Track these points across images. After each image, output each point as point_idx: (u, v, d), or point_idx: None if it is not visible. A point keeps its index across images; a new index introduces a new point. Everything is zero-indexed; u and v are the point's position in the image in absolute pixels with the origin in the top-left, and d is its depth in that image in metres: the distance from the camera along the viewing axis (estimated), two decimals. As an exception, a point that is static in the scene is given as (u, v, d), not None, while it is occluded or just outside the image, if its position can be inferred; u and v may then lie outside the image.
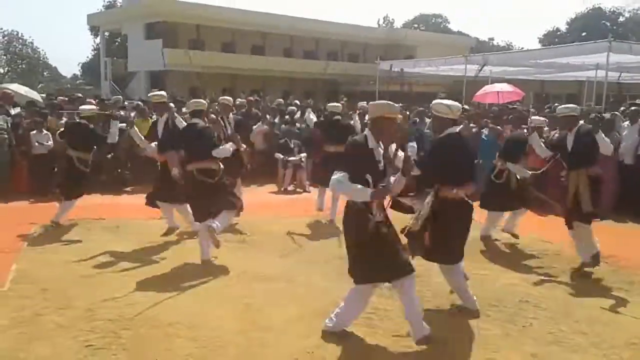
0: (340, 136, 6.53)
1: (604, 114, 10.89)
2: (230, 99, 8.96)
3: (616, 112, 10.64)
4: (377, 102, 4.44)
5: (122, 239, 7.07)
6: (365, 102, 16.22)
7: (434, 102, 4.84)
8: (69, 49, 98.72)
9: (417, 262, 6.19)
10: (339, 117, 8.77)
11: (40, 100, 14.38)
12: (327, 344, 4.23)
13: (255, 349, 4.15)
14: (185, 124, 6.64)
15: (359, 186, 3.97)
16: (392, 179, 4.19)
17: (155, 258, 6.32)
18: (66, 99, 12.90)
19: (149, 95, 6.86)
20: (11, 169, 10.07)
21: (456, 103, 4.81)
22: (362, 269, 4.17)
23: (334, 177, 4.05)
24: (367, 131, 4.21)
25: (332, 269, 6.01)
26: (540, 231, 7.68)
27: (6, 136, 9.90)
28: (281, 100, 16.65)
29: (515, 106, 13.80)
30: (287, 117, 13.43)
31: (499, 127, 11.01)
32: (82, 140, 7.70)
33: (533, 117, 7.57)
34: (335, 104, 9.39)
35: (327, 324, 4.41)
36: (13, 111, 10.98)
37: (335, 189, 4.40)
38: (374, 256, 4.09)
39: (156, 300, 5.05)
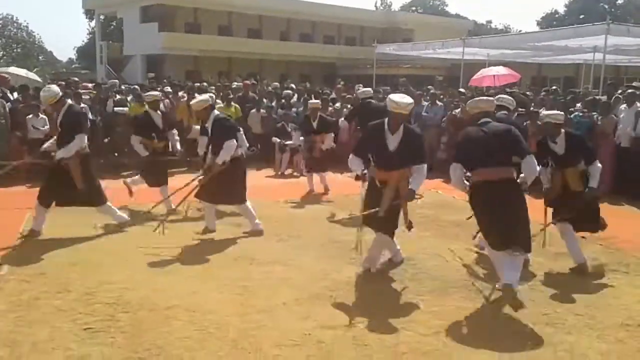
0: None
1: (600, 97, 10.89)
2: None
3: (614, 95, 10.60)
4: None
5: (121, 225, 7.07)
6: (362, 86, 16.21)
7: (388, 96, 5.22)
8: (64, 33, 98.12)
9: (411, 247, 6.24)
10: (371, 100, 8.69)
11: (40, 81, 14.31)
12: (323, 326, 4.27)
13: (253, 332, 4.18)
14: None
15: None
16: None
17: (153, 242, 6.33)
18: (63, 83, 12.82)
19: (192, 102, 6.88)
20: (9, 154, 10.03)
21: (406, 98, 5.09)
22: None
23: None
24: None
25: (328, 252, 6.05)
26: (533, 214, 7.70)
27: (3, 121, 9.87)
28: (277, 84, 16.62)
29: (513, 90, 13.76)
30: (283, 101, 13.40)
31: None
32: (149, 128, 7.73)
33: (546, 113, 6.19)
34: (365, 89, 9.36)
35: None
36: (12, 96, 10.94)
37: None
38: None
39: (154, 284, 5.07)
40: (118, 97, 12.25)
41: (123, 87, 14.53)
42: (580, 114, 9.92)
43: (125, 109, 11.49)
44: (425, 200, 6.21)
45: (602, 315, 4.59)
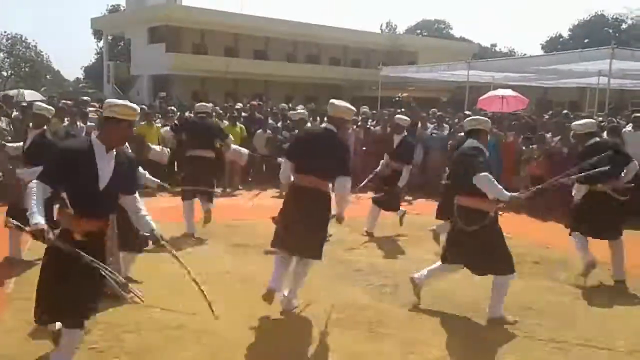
0: None
1: (606, 121, 10.89)
2: None
3: (615, 119, 10.64)
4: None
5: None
6: (367, 108, 16.29)
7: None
8: (72, 53, 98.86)
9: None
10: (204, 115, 7.98)
11: (44, 99, 14.38)
12: (331, 348, 4.25)
13: (262, 353, 4.16)
14: None
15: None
16: None
17: (158, 260, 6.31)
18: (69, 102, 12.92)
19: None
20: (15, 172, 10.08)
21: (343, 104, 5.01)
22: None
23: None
24: None
25: (335, 271, 6.06)
26: (540, 236, 7.70)
27: (9, 138, 9.93)
28: (285, 105, 16.70)
29: (518, 112, 13.81)
30: (288, 122, 13.45)
31: (501, 132, 11.03)
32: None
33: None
34: (201, 104, 8.42)
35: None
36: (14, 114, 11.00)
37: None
38: None
39: (160, 304, 5.04)
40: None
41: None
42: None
43: (134, 128, 11.55)
44: (431, 221, 6.21)
45: (611, 341, 4.55)
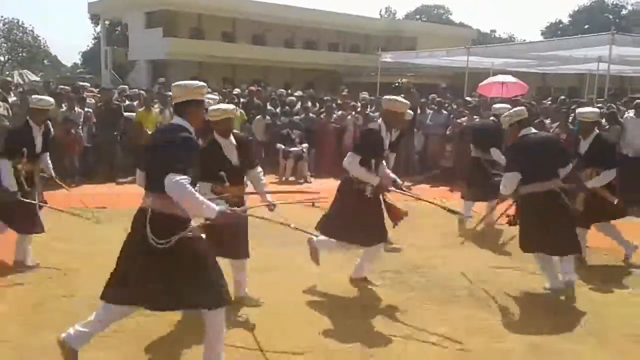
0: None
1: (606, 108, 10.88)
2: None
3: (614, 105, 10.63)
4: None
5: (127, 228, 7.06)
6: (367, 93, 16.23)
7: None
8: (69, 38, 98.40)
9: (416, 254, 6.24)
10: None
11: (38, 79, 14.25)
12: (329, 335, 4.27)
13: (260, 338, 4.18)
14: None
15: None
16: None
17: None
18: (68, 87, 12.85)
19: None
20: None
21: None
22: None
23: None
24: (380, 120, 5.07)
25: (335, 258, 6.04)
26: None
27: (7, 124, 9.90)
28: (283, 90, 16.64)
29: (517, 98, 13.78)
30: (287, 107, 13.42)
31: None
32: None
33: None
34: (500, 105, 8.34)
35: None
36: (11, 99, 10.95)
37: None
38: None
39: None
40: (127, 102, 12.30)
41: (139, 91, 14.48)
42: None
43: (133, 114, 11.49)
44: (433, 208, 6.19)
45: (610, 326, 4.58)
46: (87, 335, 3.59)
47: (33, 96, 6.19)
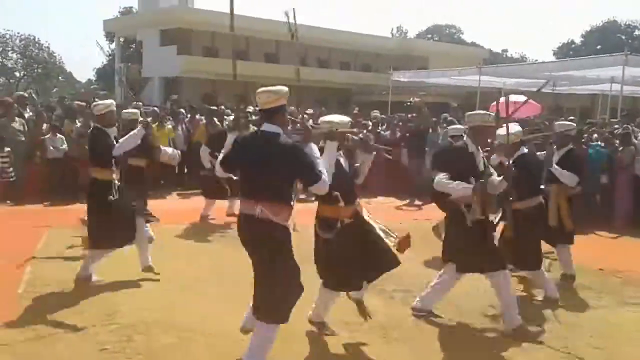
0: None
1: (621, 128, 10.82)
2: None
3: (629, 126, 10.57)
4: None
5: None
6: (378, 112, 16.25)
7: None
8: (84, 54, 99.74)
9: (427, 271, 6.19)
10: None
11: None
12: (339, 351, 4.24)
13: (272, 354, 4.15)
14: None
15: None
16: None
17: (170, 263, 6.34)
18: (84, 103, 12.99)
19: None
20: (28, 172, 10.16)
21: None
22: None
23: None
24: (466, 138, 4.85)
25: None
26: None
27: (24, 139, 10.02)
28: (293, 108, 16.68)
29: (530, 118, 13.74)
30: (298, 125, 13.44)
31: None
32: None
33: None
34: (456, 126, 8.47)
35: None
36: (27, 114, 11.09)
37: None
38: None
39: (171, 306, 5.07)
40: (141, 118, 12.37)
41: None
42: (600, 144, 9.87)
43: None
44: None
45: (622, 348, 4.52)
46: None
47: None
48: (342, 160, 4.36)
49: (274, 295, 3.72)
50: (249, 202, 3.74)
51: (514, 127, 5.36)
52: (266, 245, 3.72)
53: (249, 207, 3.73)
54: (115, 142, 5.57)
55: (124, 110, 7.87)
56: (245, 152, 3.82)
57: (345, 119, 4.60)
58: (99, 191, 5.51)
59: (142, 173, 7.26)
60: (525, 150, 5.50)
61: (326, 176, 3.73)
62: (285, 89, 3.89)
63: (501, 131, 5.02)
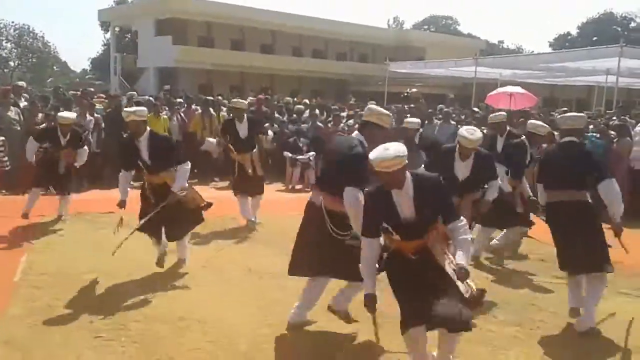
0: None
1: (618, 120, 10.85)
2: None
3: (627, 118, 10.60)
4: None
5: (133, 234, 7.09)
6: (374, 103, 16.25)
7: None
8: (79, 44, 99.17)
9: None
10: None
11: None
12: (335, 343, 4.25)
13: (265, 345, 4.17)
14: None
15: None
16: None
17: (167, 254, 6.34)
18: (78, 93, 12.94)
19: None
20: (22, 161, 10.10)
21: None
22: None
23: None
24: None
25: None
26: (540, 234, 7.67)
27: (19, 128, 9.98)
28: (289, 99, 16.68)
29: (526, 110, 13.75)
30: (294, 115, 13.45)
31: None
32: None
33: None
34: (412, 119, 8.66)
35: None
36: (22, 104, 11.03)
37: None
38: None
39: (166, 295, 5.08)
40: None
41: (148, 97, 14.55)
42: (597, 136, 9.89)
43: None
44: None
45: (618, 339, 4.55)
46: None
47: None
48: None
49: None
50: None
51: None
52: None
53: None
54: None
55: (59, 114, 7.88)
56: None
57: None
58: None
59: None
60: None
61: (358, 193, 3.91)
62: (381, 111, 4.20)
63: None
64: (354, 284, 4.15)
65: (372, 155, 3.45)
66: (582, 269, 4.69)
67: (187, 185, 5.70)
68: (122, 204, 5.67)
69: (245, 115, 7.81)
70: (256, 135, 7.93)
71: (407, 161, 3.44)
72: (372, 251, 3.65)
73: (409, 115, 11.54)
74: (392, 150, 3.41)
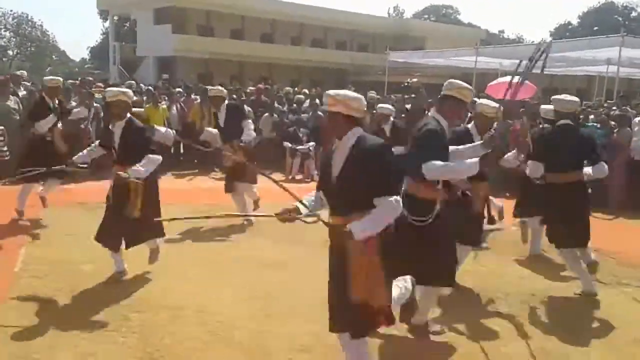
0: None
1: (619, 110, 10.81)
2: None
3: (628, 108, 10.57)
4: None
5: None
6: (374, 92, 16.20)
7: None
8: (78, 33, 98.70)
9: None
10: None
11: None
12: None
13: (262, 335, 4.18)
14: None
15: None
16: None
17: (165, 243, 6.34)
18: (77, 82, 12.89)
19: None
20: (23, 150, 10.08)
21: None
22: None
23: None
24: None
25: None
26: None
27: (17, 117, 9.95)
28: (289, 88, 16.63)
29: (526, 100, 13.70)
30: (294, 105, 13.42)
31: (509, 121, 10.91)
32: None
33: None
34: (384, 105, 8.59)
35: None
36: (21, 93, 10.99)
37: None
38: None
39: (165, 285, 5.09)
40: (135, 98, 12.30)
41: (142, 86, 14.52)
42: (597, 126, 9.87)
43: (142, 109, 11.50)
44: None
45: (617, 329, 4.55)
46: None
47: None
48: None
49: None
50: None
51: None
52: None
53: None
54: None
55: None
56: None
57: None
58: None
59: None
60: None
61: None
62: (461, 84, 4.00)
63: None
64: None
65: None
66: (573, 244, 5.11)
67: (144, 175, 5.07)
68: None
69: (224, 103, 7.47)
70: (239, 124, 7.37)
71: (349, 109, 3.10)
72: None
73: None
74: (340, 90, 3.22)
